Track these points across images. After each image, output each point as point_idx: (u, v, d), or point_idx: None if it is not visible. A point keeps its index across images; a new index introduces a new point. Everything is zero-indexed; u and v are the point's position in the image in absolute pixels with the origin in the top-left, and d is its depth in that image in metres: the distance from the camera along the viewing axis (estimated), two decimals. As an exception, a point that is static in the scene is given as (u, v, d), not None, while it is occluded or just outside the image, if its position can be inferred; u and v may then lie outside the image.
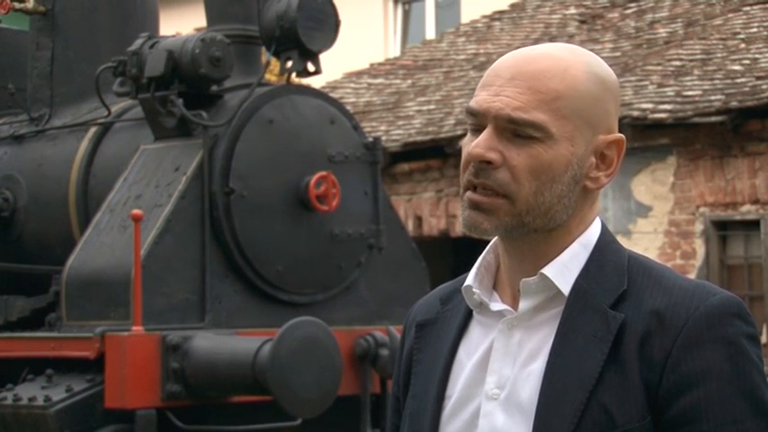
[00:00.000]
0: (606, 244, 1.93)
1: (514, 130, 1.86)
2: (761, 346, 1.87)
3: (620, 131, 1.95)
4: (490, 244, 1.99)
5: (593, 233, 1.93)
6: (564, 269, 1.89)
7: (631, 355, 1.82)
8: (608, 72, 1.94)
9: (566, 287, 1.89)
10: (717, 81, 10.90)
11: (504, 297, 1.95)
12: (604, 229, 1.95)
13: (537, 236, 1.90)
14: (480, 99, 1.89)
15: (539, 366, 1.86)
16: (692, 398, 1.80)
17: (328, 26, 6.55)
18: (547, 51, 1.92)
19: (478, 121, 1.89)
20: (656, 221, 10.88)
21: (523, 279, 1.90)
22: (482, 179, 1.87)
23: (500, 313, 1.93)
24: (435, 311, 2.03)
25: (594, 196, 1.94)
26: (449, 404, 1.93)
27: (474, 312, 1.98)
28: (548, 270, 1.89)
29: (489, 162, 1.86)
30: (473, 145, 1.87)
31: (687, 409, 1.80)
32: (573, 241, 1.92)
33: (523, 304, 1.90)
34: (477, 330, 1.96)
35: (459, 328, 1.97)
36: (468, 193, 1.88)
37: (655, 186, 10.85)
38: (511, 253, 1.94)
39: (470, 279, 1.96)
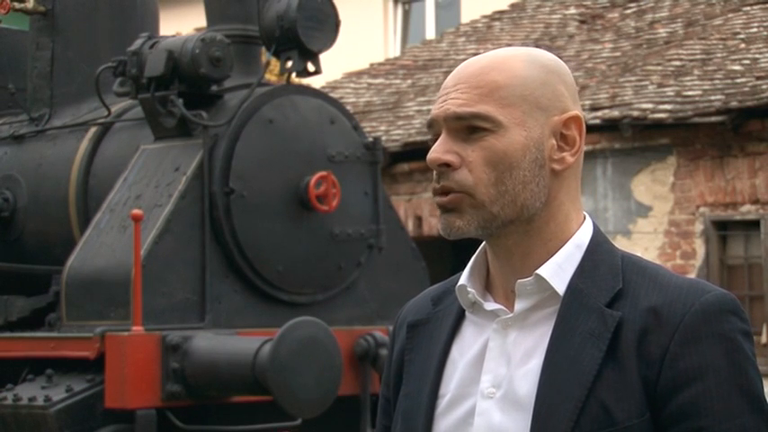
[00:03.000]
0: (599, 244, 1.94)
1: (466, 128, 1.90)
2: (754, 342, 1.88)
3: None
4: (481, 245, 2.01)
5: (585, 234, 1.95)
6: (559, 269, 1.91)
7: (629, 352, 1.84)
8: (551, 58, 1.97)
9: (561, 287, 1.90)
10: (717, 81, 10.90)
11: (496, 297, 1.96)
12: (596, 229, 1.96)
13: (517, 229, 1.91)
14: (433, 110, 1.95)
15: (536, 364, 1.87)
16: (691, 394, 1.81)
17: (328, 26, 6.55)
18: (488, 54, 1.97)
19: (435, 131, 1.95)
20: (656, 221, 10.88)
21: (519, 280, 1.91)
22: (443, 182, 1.91)
23: (494, 313, 1.94)
24: (427, 312, 2.04)
25: (569, 182, 1.95)
26: (442, 403, 1.94)
27: (467, 312, 1.99)
28: (543, 271, 1.90)
29: (448, 165, 1.90)
30: (429, 152, 1.93)
31: (686, 404, 1.81)
32: (558, 233, 1.93)
33: (519, 305, 1.91)
34: (471, 330, 1.97)
35: (452, 327, 1.98)
36: (437, 198, 1.93)
37: (655, 186, 10.85)
38: (498, 254, 1.95)
39: (464, 279, 1.97)
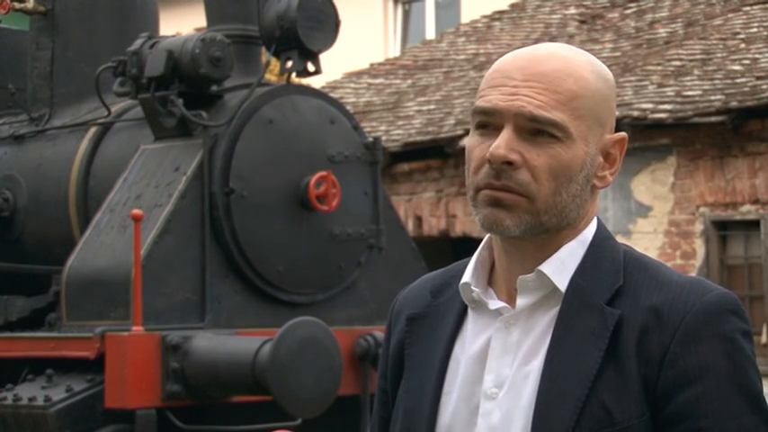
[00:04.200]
0: (602, 240, 1.94)
1: (534, 129, 1.86)
2: (754, 342, 1.88)
3: (619, 131, 1.96)
4: (484, 240, 1.99)
5: (589, 230, 1.94)
6: (561, 266, 1.90)
7: (629, 351, 1.83)
8: (607, 70, 1.96)
9: (562, 284, 1.89)
10: (717, 81, 10.90)
11: (500, 294, 1.95)
12: (600, 225, 1.96)
13: (547, 236, 1.90)
14: (495, 98, 1.88)
15: (537, 365, 1.86)
16: (691, 394, 1.81)
17: (328, 26, 6.55)
18: (552, 52, 1.92)
19: (492, 119, 1.88)
20: (656, 221, 10.88)
21: (521, 276, 1.90)
22: (503, 180, 1.86)
23: (497, 311, 1.93)
24: (426, 304, 2.02)
25: (597, 195, 1.96)
26: (446, 401, 1.93)
27: (469, 308, 1.97)
28: (545, 267, 1.89)
29: (510, 163, 1.86)
30: (494, 146, 1.86)
31: (685, 405, 1.81)
32: (572, 237, 1.92)
33: (521, 301, 1.90)
34: (473, 326, 1.95)
35: (455, 323, 1.97)
36: (488, 191, 1.87)
37: (655, 186, 10.85)
38: (512, 252, 1.93)
39: (468, 276, 1.95)
